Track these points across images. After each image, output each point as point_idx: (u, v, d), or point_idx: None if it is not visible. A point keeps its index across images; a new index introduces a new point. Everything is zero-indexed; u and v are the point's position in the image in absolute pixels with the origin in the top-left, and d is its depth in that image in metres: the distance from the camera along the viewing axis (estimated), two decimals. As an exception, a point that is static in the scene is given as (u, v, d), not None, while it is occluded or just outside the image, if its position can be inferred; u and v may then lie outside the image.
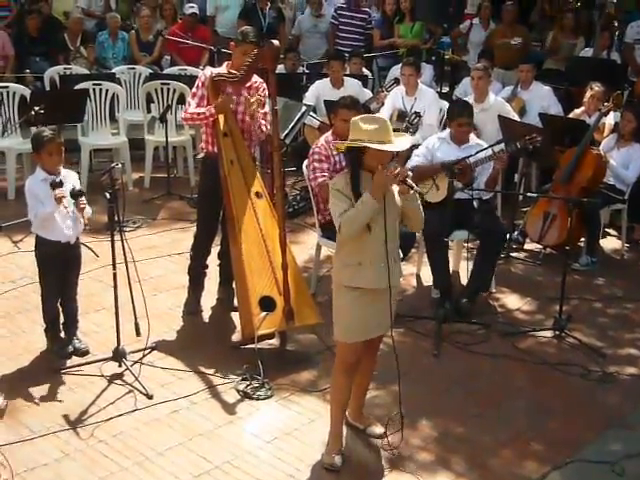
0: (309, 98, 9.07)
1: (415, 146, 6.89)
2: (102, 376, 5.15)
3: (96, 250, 6.48)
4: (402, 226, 4.31)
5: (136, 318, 5.19)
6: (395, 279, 4.23)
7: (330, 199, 4.16)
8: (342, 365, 4.30)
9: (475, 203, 6.38)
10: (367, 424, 4.66)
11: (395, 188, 4.12)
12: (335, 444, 4.39)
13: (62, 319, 5.43)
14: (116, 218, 5.03)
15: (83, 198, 5.06)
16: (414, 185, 4.01)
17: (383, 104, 8.67)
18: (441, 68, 11.09)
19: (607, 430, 4.81)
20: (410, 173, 4.06)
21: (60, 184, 4.97)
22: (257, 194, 5.71)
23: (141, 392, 4.97)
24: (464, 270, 6.44)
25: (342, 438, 4.45)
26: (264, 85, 5.78)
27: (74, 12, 11.52)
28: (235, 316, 5.89)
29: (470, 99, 8.31)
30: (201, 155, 6.12)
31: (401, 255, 4.42)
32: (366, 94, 9.16)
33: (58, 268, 5.28)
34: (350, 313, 4.20)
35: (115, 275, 5.09)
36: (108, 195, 4.96)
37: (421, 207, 4.22)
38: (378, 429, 4.62)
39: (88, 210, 5.18)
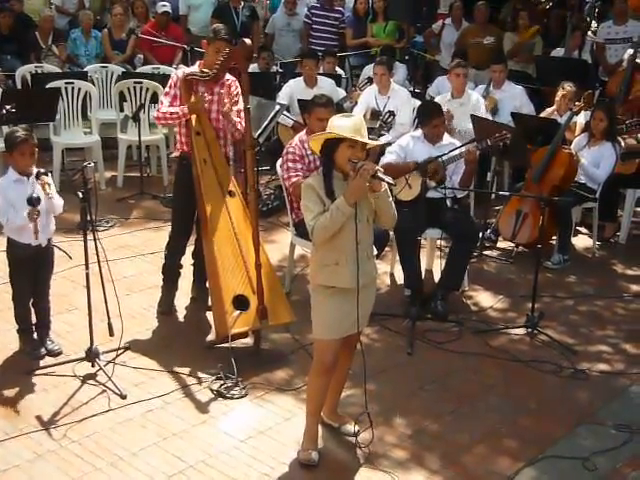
0: (282, 97, 9.06)
1: (388, 144, 6.92)
2: (75, 376, 5.12)
3: (68, 250, 6.42)
4: (375, 224, 4.30)
5: (109, 318, 5.16)
6: (369, 276, 4.26)
7: (302, 199, 4.17)
8: (319, 366, 4.30)
9: (448, 202, 6.41)
10: (341, 422, 4.67)
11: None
12: (310, 442, 4.39)
13: (34, 320, 5.40)
14: (89, 217, 5.00)
15: (47, 178, 5.03)
16: (385, 178, 3.98)
17: (356, 103, 8.70)
18: (414, 67, 11.13)
19: (579, 426, 4.85)
20: (379, 168, 4.03)
21: (37, 201, 4.92)
22: (230, 193, 5.71)
23: (114, 392, 4.94)
24: (437, 268, 6.47)
25: (317, 438, 4.46)
26: (237, 83, 5.77)
27: (44, 10, 11.44)
28: (209, 315, 5.88)
29: (446, 95, 8.41)
30: (175, 154, 6.11)
31: (375, 252, 4.42)
32: (339, 93, 9.18)
33: (30, 269, 5.24)
34: (327, 311, 4.21)
35: (88, 275, 5.06)
36: (80, 194, 4.93)
37: (393, 203, 4.21)
38: (352, 427, 4.62)
39: (59, 202, 5.16)
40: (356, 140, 4.00)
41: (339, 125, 4.05)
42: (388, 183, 4.03)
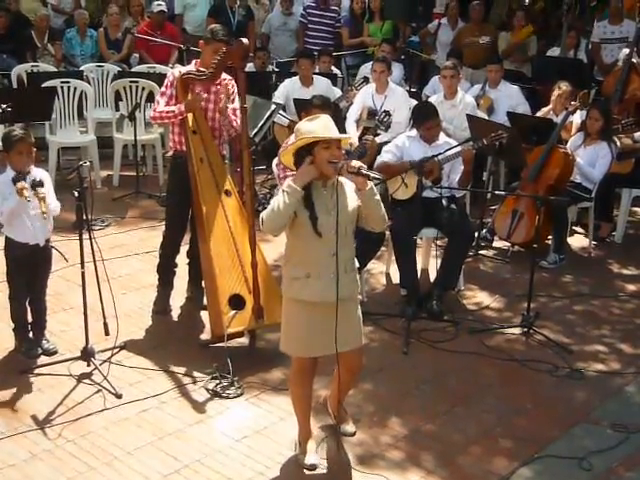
0: (278, 96, 9.07)
1: (385, 143, 6.92)
2: (70, 376, 5.11)
3: (64, 249, 6.39)
4: (367, 227, 4.15)
5: (105, 317, 5.16)
6: (347, 290, 4.05)
7: (273, 199, 4.03)
8: (293, 375, 4.29)
9: (444, 201, 6.41)
10: (341, 422, 4.62)
11: (351, 187, 4.01)
12: (306, 444, 4.36)
13: (30, 319, 5.39)
14: (84, 217, 4.99)
15: (43, 189, 4.97)
16: (370, 173, 3.85)
17: (352, 103, 8.69)
18: (410, 67, 11.13)
19: (574, 425, 4.85)
20: (362, 164, 3.89)
21: (22, 178, 4.92)
22: (226, 192, 5.70)
23: (110, 392, 4.94)
24: (433, 268, 6.47)
25: (312, 437, 4.42)
26: (233, 82, 5.77)
27: (40, 9, 11.45)
28: (204, 315, 5.87)
29: (439, 97, 8.40)
30: (170, 153, 6.10)
31: (357, 265, 4.23)
32: (335, 92, 9.17)
33: (27, 269, 5.25)
34: (296, 326, 4.12)
35: (83, 274, 5.05)
36: (76, 193, 4.92)
37: (381, 203, 4.04)
38: (350, 427, 4.61)
39: (56, 205, 5.15)
40: (329, 138, 3.84)
41: (307, 129, 3.90)
42: (374, 178, 3.91)
